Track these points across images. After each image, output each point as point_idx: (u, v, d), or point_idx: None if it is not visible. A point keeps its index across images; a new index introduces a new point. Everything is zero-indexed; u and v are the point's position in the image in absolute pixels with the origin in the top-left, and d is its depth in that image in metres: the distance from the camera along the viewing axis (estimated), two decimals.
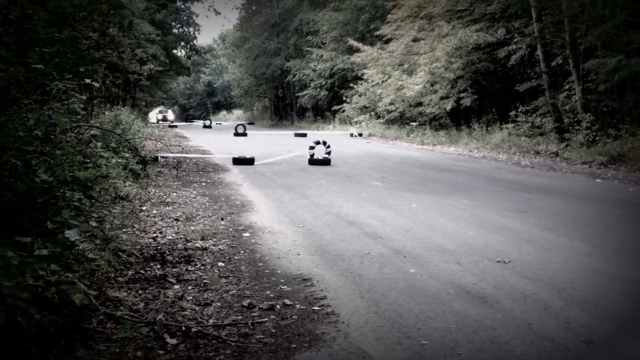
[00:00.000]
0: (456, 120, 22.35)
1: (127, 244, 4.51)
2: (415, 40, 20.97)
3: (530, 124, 18.34)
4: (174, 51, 33.18)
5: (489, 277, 4.25)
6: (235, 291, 3.95)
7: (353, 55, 24.90)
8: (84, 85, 6.96)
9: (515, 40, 18.35)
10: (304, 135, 22.91)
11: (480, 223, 6.30)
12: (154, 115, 46.11)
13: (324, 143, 12.83)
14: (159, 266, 4.53)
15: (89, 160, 4.60)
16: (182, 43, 34.61)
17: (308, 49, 32.69)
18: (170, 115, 49.26)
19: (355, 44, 24.11)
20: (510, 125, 18.61)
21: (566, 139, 16.57)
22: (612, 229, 6.20)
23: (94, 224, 3.39)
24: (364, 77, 25.03)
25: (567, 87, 17.47)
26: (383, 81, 23.72)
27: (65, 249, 2.46)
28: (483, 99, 21.96)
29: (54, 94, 5.92)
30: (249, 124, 33.33)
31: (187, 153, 15.09)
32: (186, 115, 65.50)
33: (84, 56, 6.41)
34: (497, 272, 4.39)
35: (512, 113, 18.73)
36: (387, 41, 22.44)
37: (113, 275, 3.97)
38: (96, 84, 5.75)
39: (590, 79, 16.80)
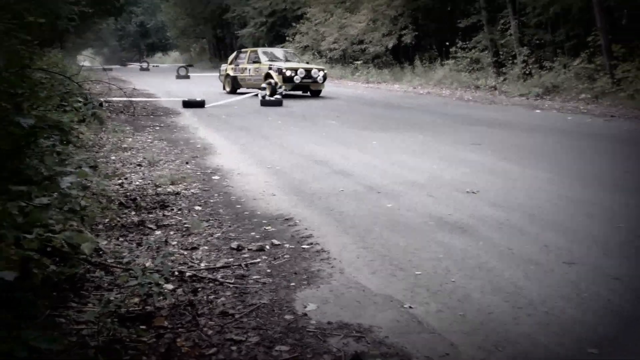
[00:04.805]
0: (398, 58, 22.33)
1: (106, 191, 4.29)
2: None
3: (469, 60, 18.57)
4: None
5: (463, 207, 4.33)
6: (219, 234, 3.85)
7: None
8: (21, 25, 6.37)
9: None
10: None
11: (441, 157, 6.39)
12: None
13: (275, 84, 12.54)
14: (133, 212, 4.35)
15: (66, 104, 4.26)
16: None
17: None
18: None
19: None
20: (450, 62, 18.79)
21: (503, 73, 16.94)
22: (563, 157, 6.44)
23: (87, 169, 3.17)
24: (307, 15, 24.42)
25: (502, 21, 17.66)
26: (326, 20, 23.24)
27: (64, 196, 2.28)
28: (423, 36, 21.95)
29: None
30: (188, 66, 32.08)
31: (132, 97, 14.43)
32: (119, 58, 62.09)
33: None
34: (469, 202, 4.48)
35: (452, 49, 18.86)
36: None
37: (106, 222, 3.78)
38: (42, 20, 5.24)
39: (525, 13, 17.04)
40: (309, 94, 14.93)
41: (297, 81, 14.24)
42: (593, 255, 3.28)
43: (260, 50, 16.52)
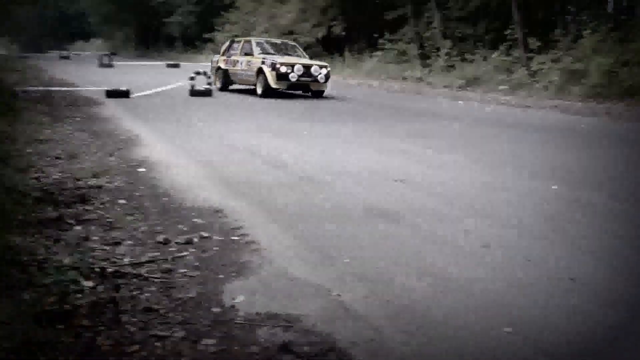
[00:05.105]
0: (328, 49, 22.46)
1: (19, 185, 4.03)
2: None
3: (396, 52, 18.96)
4: None
5: (391, 196, 4.42)
6: (145, 228, 3.72)
7: None
8: None
9: None
10: (177, 65, 21.81)
11: (370, 146, 6.49)
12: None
13: (205, 73, 12.30)
14: (50, 207, 4.13)
15: None
16: None
17: None
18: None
19: None
20: (379, 53, 19.10)
21: (428, 65, 17.42)
22: (484, 145, 6.70)
23: None
24: (236, 4, 24.05)
25: (427, 15, 18.16)
26: (255, 9, 23.00)
27: None
28: (353, 27, 22.19)
29: None
30: (111, 54, 30.75)
31: (50, 86, 13.70)
32: (38, 46, 58.57)
33: None
34: (397, 191, 4.57)
35: (380, 41, 19.18)
36: None
37: (20, 217, 3.55)
38: None
39: (447, 7, 17.58)
40: (309, 94, 12.72)
41: (294, 79, 11.97)
42: (508, 238, 3.43)
43: (254, 40, 14.02)
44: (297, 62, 12.25)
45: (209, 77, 12.29)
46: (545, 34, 14.07)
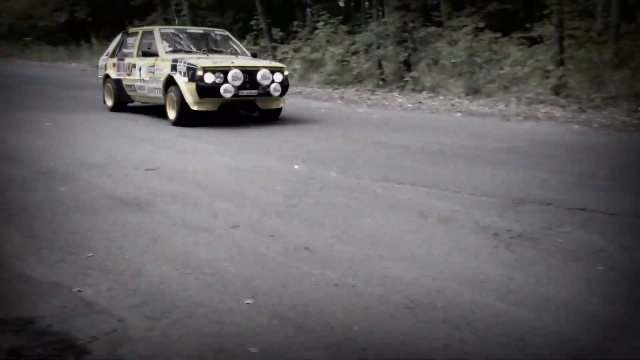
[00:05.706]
0: (73, 35, 20.59)
1: None
2: None
3: None
4: None
5: (141, 185, 4.29)
6: None
7: None
8: None
9: None
10: None
11: (125, 135, 6.22)
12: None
13: None
14: None
15: None
16: None
17: None
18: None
19: None
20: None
21: None
22: (236, 131, 6.91)
23: None
24: None
25: (175, 2, 17.92)
26: None
27: None
28: (100, 13, 20.70)
29: None
30: None
31: None
32: None
33: None
34: (147, 179, 4.46)
35: (130, 29, 18.30)
36: None
37: None
38: None
39: None
40: (257, 114, 7.99)
41: (229, 95, 7.02)
42: (253, 217, 3.61)
43: (158, 30, 8.23)
44: (232, 66, 7.18)
45: None
46: (286, 24, 15.01)
